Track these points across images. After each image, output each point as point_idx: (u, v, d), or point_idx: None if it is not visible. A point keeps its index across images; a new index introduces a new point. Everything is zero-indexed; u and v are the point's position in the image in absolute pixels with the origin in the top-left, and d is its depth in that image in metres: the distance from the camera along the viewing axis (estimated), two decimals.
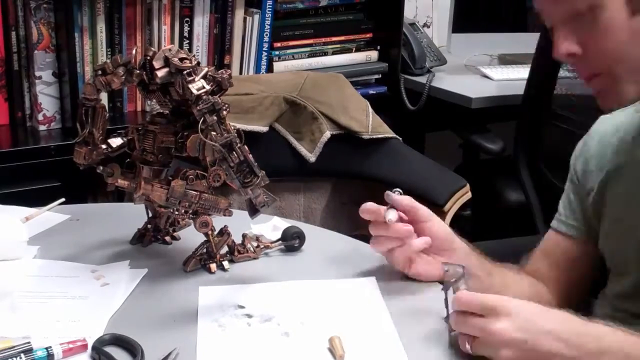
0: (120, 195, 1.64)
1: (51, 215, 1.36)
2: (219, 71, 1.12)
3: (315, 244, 1.29)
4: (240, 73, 2.18)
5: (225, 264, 1.20)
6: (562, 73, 2.06)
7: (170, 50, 1.10)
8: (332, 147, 1.82)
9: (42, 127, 1.94)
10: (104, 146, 1.17)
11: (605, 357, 0.92)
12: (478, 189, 1.86)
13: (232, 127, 1.10)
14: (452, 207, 1.76)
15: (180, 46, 2.05)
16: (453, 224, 1.74)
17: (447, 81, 2.47)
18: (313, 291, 1.15)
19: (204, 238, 1.20)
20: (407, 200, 1.15)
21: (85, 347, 0.97)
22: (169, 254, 1.24)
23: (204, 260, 1.20)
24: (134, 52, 1.14)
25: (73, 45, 1.89)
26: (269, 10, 2.18)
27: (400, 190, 1.18)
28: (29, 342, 0.95)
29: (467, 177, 1.83)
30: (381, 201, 1.70)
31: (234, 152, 1.09)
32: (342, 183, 1.89)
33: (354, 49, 2.38)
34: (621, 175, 1.18)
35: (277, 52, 2.24)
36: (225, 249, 1.22)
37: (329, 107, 1.84)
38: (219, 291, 1.14)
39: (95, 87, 1.14)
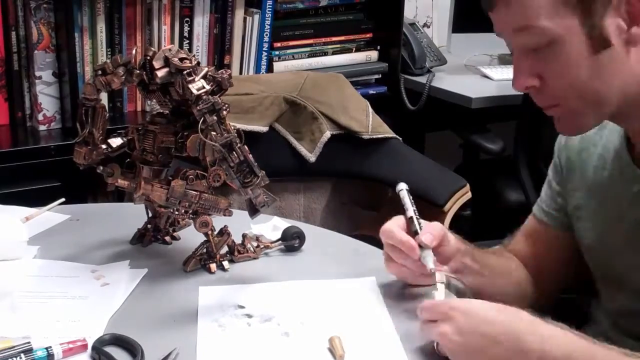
0: (120, 195, 1.64)
1: (51, 215, 1.36)
2: (219, 71, 1.12)
3: (315, 244, 1.29)
4: (240, 73, 2.18)
5: (225, 264, 1.20)
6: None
7: (170, 50, 1.10)
8: (332, 147, 1.82)
9: (42, 127, 1.94)
10: (104, 146, 1.17)
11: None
12: (478, 189, 1.86)
13: (232, 127, 1.10)
14: (452, 207, 1.76)
15: (180, 46, 2.05)
16: (453, 224, 1.74)
17: (447, 81, 2.47)
18: (313, 291, 1.15)
19: (204, 238, 1.20)
20: (437, 241, 1.11)
21: (85, 347, 0.97)
22: (169, 254, 1.24)
23: (204, 260, 1.20)
24: (134, 52, 1.14)
25: (73, 45, 1.89)
26: (269, 10, 2.18)
27: (407, 187, 1.17)
28: (29, 342, 0.95)
29: (467, 177, 1.83)
30: (382, 200, 1.71)
31: (234, 152, 1.09)
32: (342, 183, 1.89)
33: (354, 49, 2.38)
34: (605, 190, 1.17)
35: (277, 52, 2.24)
36: (225, 249, 1.22)
37: (329, 107, 1.84)
38: (219, 291, 1.14)
39: (95, 87, 1.14)
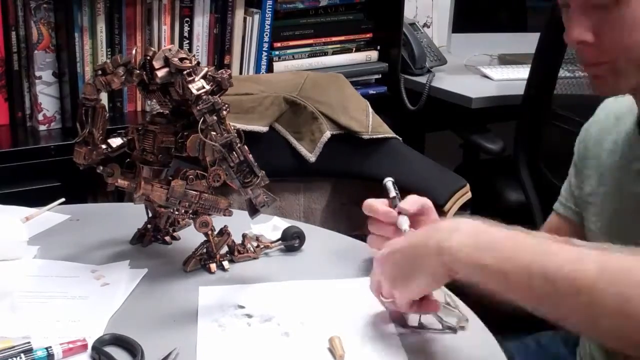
0: (120, 195, 1.64)
1: (51, 215, 1.36)
2: (219, 71, 1.12)
3: (315, 244, 1.29)
4: (240, 73, 2.18)
5: (225, 264, 1.20)
6: (562, 73, 2.06)
7: (170, 50, 1.10)
8: (332, 147, 1.82)
9: (42, 127, 1.94)
10: (104, 146, 1.17)
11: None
12: (478, 189, 1.86)
13: (232, 127, 1.10)
14: (452, 207, 1.76)
15: (180, 46, 2.05)
16: None
17: (447, 81, 2.47)
18: (313, 291, 1.15)
19: (204, 238, 1.20)
20: (416, 205, 1.16)
21: (85, 347, 0.97)
22: (169, 254, 1.24)
23: (204, 260, 1.20)
24: (134, 52, 1.14)
25: (73, 45, 1.89)
26: (269, 10, 2.18)
27: (393, 180, 1.21)
28: (29, 342, 0.95)
29: (467, 177, 1.83)
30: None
31: (234, 152, 1.09)
32: (342, 183, 1.89)
33: (354, 49, 2.38)
34: (618, 176, 1.17)
35: (277, 52, 2.24)
36: (225, 249, 1.22)
37: (329, 107, 1.84)
38: (219, 291, 1.14)
39: (95, 87, 1.14)
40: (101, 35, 1.96)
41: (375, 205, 1.17)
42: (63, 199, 1.40)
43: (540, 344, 1.41)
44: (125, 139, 1.19)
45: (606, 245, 0.90)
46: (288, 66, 2.26)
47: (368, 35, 2.39)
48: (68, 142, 1.78)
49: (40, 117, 1.93)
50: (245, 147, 1.10)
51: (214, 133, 1.08)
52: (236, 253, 1.22)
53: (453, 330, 1.03)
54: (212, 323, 1.05)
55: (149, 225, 1.27)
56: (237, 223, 1.22)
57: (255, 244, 1.25)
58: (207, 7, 2.08)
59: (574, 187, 1.28)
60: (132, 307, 1.09)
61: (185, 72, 1.08)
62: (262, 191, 1.12)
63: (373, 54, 2.40)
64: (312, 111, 1.82)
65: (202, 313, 1.07)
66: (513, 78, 2.43)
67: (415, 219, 1.16)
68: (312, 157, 1.81)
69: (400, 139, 1.89)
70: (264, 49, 2.21)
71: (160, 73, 1.10)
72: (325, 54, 2.34)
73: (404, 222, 1.15)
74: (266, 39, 2.20)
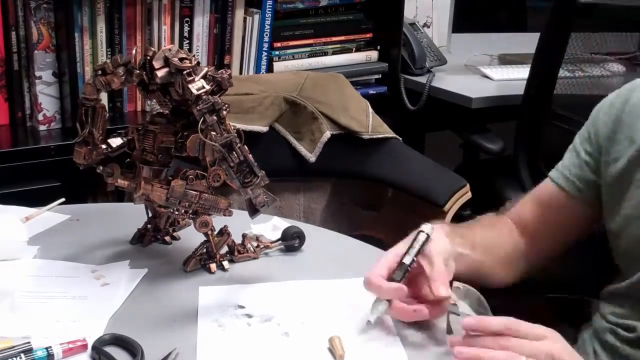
0: (120, 195, 1.64)
1: (51, 215, 1.36)
2: (219, 71, 1.12)
3: (315, 244, 1.29)
4: (240, 73, 2.18)
5: (225, 264, 1.20)
6: (562, 73, 2.06)
7: (170, 50, 1.10)
8: (332, 147, 1.82)
9: (42, 127, 1.94)
10: (104, 146, 1.17)
11: None
12: (478, 189, 1.86)
13: (232, 127, 1.10)
14: (452, 207, 1.75)
15: (180, 46, 2.05)
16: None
17: (447, 81, 2.47)
18: (313, 291, 1.15)
19: (204, 238, 1.20)
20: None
21: (85, 347, 0.97)
22: (169, 254, 1.24)
23: (204, 260, 1.20)
24: (134, 52, 1.14)
25: (73, 45, 1.89)
26: (269, 10, 2.18)
27: (430, 232, 1.09)
28: (29, 342, 0.95)
29: (467, 177, 1.83)
30: (382, 200, 1.70)
31: (234, 152, 1.09)
32: (342, 183, 1.89)
33: (354, 49, 2.38)
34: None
35: (277, 52, 2.24)
36: (225, 249, 1.22)
37: (329, 107, 1.84)
38: (219, 291, 1.14)
39: (95, 87, 1.14)
40: (101, 35, 1.95)
41: (379, 285, 1.04)
42: (63, 199, 1.40)
43: None
44: (125, 139, 1.19)
45: None
46: (288, 66, 2.26)
47: (368, 35, 2.39)
48: (68, 142, 1.78)
49: (40, 117, 1.93)
50: (245, 147, 1.10)
51: (214, 133, 1.08)
52: (236, 253, 1.22)
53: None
54: (212, 323, 1.05)
55: (149, 225, 1.27)
56: (237, 223, 1.22)
57: (255, 244, 1.25)
58: (207, 7, 2.08)
59: (585, 165, 1.23)
60: (132, 307, 1.09)
61: (185, 72, 1.08)
62: (262, 191, 1.12)
63: (373, 54, 2.40)
64: (312, 111, 1.82)
65: (202, 313, 1.07)
66: (513, 78, 2.43)
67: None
68: (312, 157, 1.81)
69: (400, 139, 1.89)
70: (264, 49, 2.21)
71: (160, 73, 1.09)
72: (325, 54, 2.33)
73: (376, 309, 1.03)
74: (266, 39, 2.20)
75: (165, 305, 1.10)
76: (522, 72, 2.29)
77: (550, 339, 0.96)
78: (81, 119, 1.15)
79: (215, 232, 1.20)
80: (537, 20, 2.48)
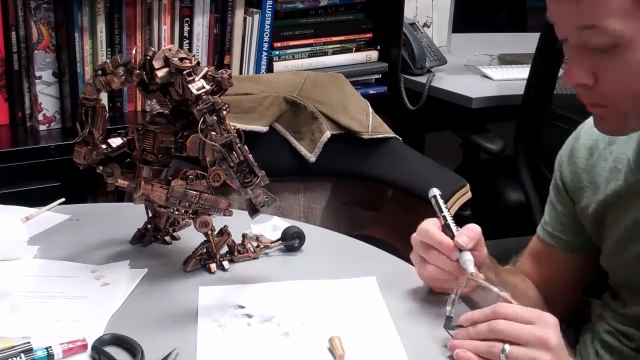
0: (120, 195, 1.64)
1: (51, 215, 1.36)
2: (219, 71, 1.12)
3: (315, 244, 1.28)
4: (240, 73, 2.18)
5: (225, 264, 1.20)
6: (562, 73, 2.06)
7: (170, 50, 1.10)
8: (332, 147, 1.82)
9: (42, 127, 1.94)
10: (104, 146, 1.17)
11: None
12: (478, 189, 1.86)
13: (232, 127, 1.10)
14: (452, 207, 1.76)
15: (180, 46, 2.05)
16: None
17: (447, 81, 2.47)
18: (313, 291, 1.15)
19: (204, 238, 1.20)
20: (473, 242, 1.06)
21: (85, 347, 0.97)
22: (169, 254, 1.24)
23: (204, 260, 1.20)
24: (134, 52, 1.14)
25: (73, 45, 1.89)
26: (269, 10, 2.18)
27: (439, 193, 1.12)
28: (29, 342, 0.95)
29: (467, 177, 1.83)
30: (382, 200, 1.70)
31: (234, 152, 1.09)
32: (342, 183, 1.89)
33: (354, 49, 2.38)
34: (621, 201, 1.12)
35: (277, 52, 2.24)
36: (225, 249, 1.22)
37: (329, 107, 1.84)
38: (219, 291, 1.14)
39: (95, 87, 1.13)
40: (101, 35, 1.96)
41: (431, 231, 1.06)
42: (63, 199, 1.40)
43: None
44: (125, 139, 1.19)
45: None
46: (288, 66, 2.26)
47: (368, 35, 2.39)
48: (68, 142, 1.78)
49: (40, 117, 1.93)
50: (245, 147, 1.10)
51: (214, 133, 1.08)
52: (236, 253, 1.22)
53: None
54: (212, 323, 1.05)
55: (149, 225, 1.27)
56: (237, 223, 1.22)
57: (255, 244, 1.25)
58: (207, 7, 2.08)
59: (562, 217, 1.23)
60: (132, 307, 1.09)
61: (185, 72, 1.08)
62: (262, 191, 1.12)
63: (373, 54, 2.40)
64: (312, 111, 1.82)
65: (202, 313, 1.07)
66: (513, 78, 2.43)
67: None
68: (312, 157, 1.81)
69: (400, 139, 1.89)
70: (264, 48, 2.21)
71: (160, 73, 1.09)
72: (325, 54, 2.34)
73: (469, 263, 1.04)
74: (266, 38, 2.20)
75: (165, 305, 1.10)
76: (522, 72, 2.29)
77: (538, 324, 0.94)
78: (81, 119, 1.15)
79: (215, 232, 1.20)
80: (537, 20, 2.48)
